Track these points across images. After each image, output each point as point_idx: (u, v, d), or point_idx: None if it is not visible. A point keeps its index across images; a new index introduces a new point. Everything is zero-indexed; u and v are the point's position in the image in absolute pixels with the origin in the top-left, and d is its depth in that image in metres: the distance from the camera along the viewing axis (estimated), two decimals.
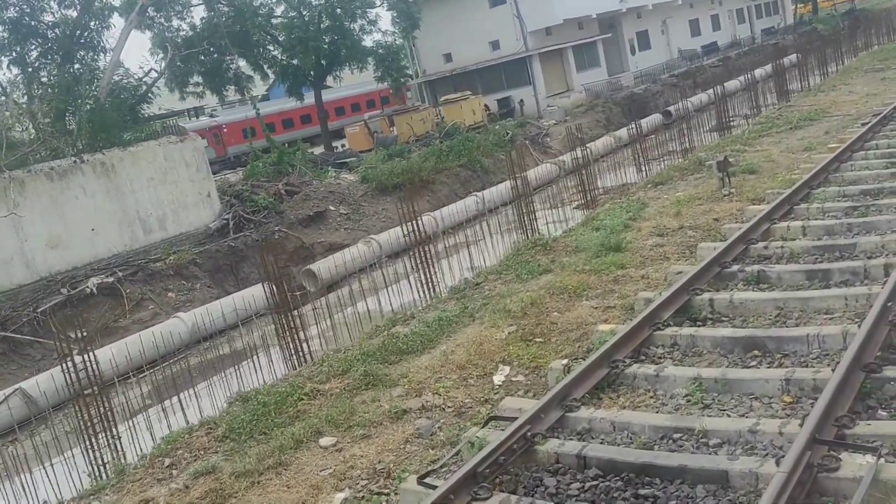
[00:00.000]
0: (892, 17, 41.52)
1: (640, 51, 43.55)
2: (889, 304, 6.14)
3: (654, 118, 33.36)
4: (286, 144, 47.84)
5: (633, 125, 17.19)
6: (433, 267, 11.47)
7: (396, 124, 33.69)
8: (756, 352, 6.45)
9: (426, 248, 11.48)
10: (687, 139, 19.37)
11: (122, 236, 20.10)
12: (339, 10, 31.77)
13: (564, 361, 6.71)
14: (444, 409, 6.65)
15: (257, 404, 7.17)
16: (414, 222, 11.48)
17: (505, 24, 36.53)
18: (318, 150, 37.64)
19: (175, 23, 33.32)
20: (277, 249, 22.73)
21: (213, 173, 37.17)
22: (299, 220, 23.39)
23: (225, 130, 47.19)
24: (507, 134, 30.71)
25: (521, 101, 37.25)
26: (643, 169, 17.15)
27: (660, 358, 6.73)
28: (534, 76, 36.79)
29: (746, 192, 11.78)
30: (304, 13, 33.45)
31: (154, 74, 30.89)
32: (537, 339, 7.79)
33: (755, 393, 5.73)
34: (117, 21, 33.57)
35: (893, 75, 21.79)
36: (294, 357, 9.65)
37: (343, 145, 38.15)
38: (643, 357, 6.78)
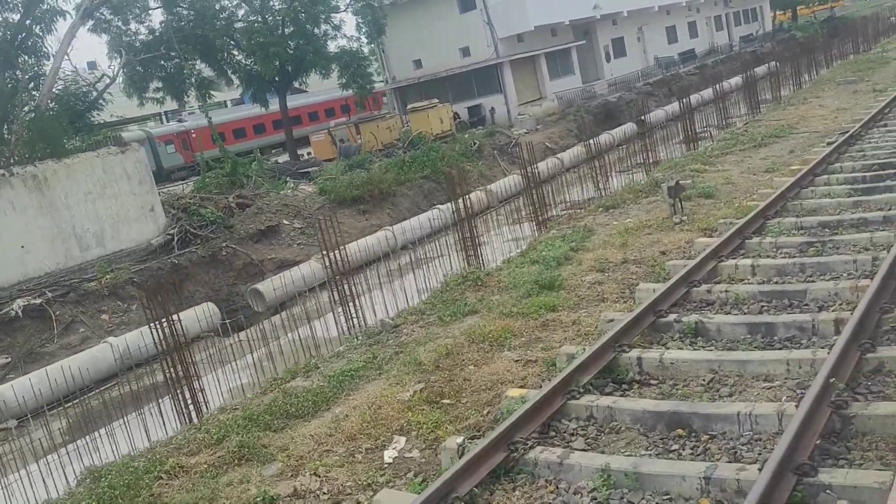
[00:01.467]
0: (869, 26, 41.05)
1: (616, 58, 42.80)
2: (832, 379, 5.22)
3: (628, 127, 32.62)
4: (258, 150, 46.87)
5: (591, 141, 16.29)
6: (357, 301, 10.48)
7: (362, 133, 32.68)
8: (680, 431, 5.51)
9: (347, 281, 10.49)
10: (650, 153, 18.53)
11: (56, 254, 18.94)
12: (302, 15, 30.70)
13: (460, 440, 5.73)
14: (318, 495, 5.66)
15: (106, 487, 6.14)
16: (335, 252, 10.49)
17: (475, 30, 35.61)
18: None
19: (133, 26, 32.23)
20: (225, 266, 21.81)
21: (181, 180, 36.04)
22: (250, 235, 22.30)
23: (193, 136, 46.12)
24: (474, 144, 29.81)
25: (493, 109, 36.36)
26: (600, 187, 16.22)
27: (571, 435, 5.77)
28: (505, 84, 35.90)
29: (699, 220, 10.89)
30: (267, 18, 32.37)
31: (107, 80, 29.82)
32: (445, 401, 6.82)
33: (670, 492, 4.78)
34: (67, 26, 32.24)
35: (865, 88, 21.06)
36: (187, 409, 8.60)
37: (309, 153, 37.09)
38: (553, 433, 5.83)
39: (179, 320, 8.70)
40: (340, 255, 10.57)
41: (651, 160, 18.57)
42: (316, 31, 32.29)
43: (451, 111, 33.53)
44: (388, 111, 37.19)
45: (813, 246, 8.74)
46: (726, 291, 7.80)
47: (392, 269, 15.05)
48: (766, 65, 28.42)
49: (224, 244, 21.40)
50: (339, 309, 10.44)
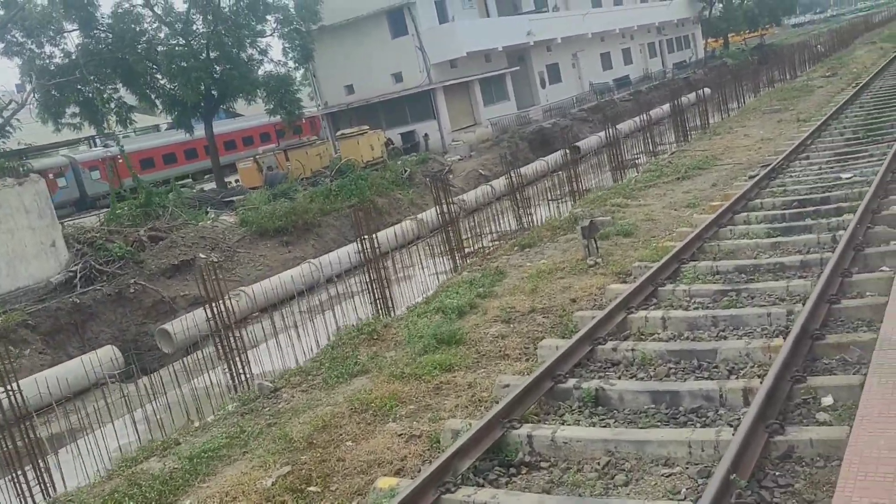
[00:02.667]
0: (796, 54, 41.92)
1: (551, 84, 42.79)
2: (733, 475, 4.51)
3: (562, 153, 32.35)
4: (190, 177, 45.18)
5: (511, 173, 15.63)
6: (242, 357, 9.51)
7: (290, 160, 31.63)
8: None
9: (234, 335, 9.52)
10: (577, 183, 18.02)
11: None
12: (226, 39, 29.57)
13: None
14: None
15: None
16: (220, 302, 9.52)
17: (408, 55, 35.05)
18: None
19: (48, 49, 30.72)
20: (133, 305, 20.47)
21: (107, 207, 34.28)
22: (162, 271, 21.00)
23: (120, 161, 44.47)
24: (405, 171, 29.05)
25: (426, 135, 35.77)
26: (523, 221, 15.59)
27: None
28: (438, 110, 35.36)
29: (614, 262, 10.26)
30: (191, 41, 31.16)
31: (15, 105, 28.21)
32: (311, 489, 5.91)
33: None
34: None
35: (790, 117, 21.04)
36: (31, 493, 7.47)
37: (237, 181, 35.81)
38: None
39: (20, 389, 7.59)
40: (226, 305, 9.60)
41: (579, 189, 18.11)
42: (242, 55, 31.22)
43: (382, 138, 32.80)
44: (318, 137, 36.22)
45: (727, 295, 8.15)
46: (633, 350, 7.11)
47: (311, 306, 14.17)
48: (695, 92, 28.43)
49: (132, 280, 20.10)
50: (225, 365, 9.45)
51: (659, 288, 8.66)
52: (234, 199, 29.45)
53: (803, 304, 7.09)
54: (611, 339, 7.46)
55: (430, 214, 24.42)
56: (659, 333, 7.61)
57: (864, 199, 10.10)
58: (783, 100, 25.16)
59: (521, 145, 35.66)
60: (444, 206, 13.68)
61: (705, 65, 54.37)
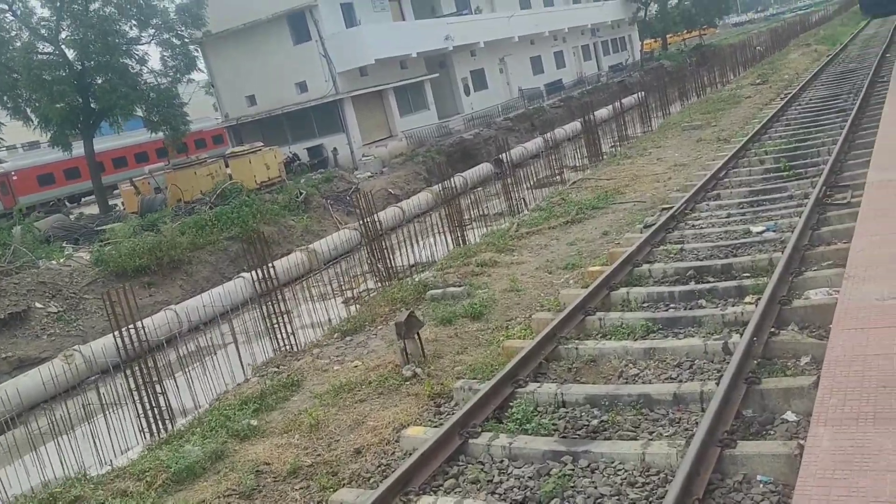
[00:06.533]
0: (733, 55, 40.02)
1: (476, 91, 40.10)
2: None
3: (483, 168, 29.77)
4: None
5: (363, 220, 12.56)
6: None
7: (177, 181, 28.27)
8: None
9: None
10: (456, 219, 15.20)
11: None
12: (94, 45, 26.03)
13: None
14: None
15: None
16: None
17: (312, 63, 31.97)
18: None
19: None
20: None
21: None
22: None
23: (15, 178, 40.57)
24: (300, 194, 26.04)
25: (335, 150, 32.76)
26: (381, 273, 12.72)
27: None
28: (346, 122, 32.35)
29: (440, 370, 7.45)
30: (63, 49, 27.62)
31: None
32: None
33: None
34: None
35: (710, 136, 18.59)
36: None
37: (122, 204, 32.23)
38: None
39: None
40: None
41: (462, 225, 15.36)
42: (121, 65, 27.71)
43: (279, 156, 29.62)
44: (205, 156, 32.81)
45: (560, 461, 5.38)
46: None
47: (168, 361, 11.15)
48: (611, 105, 25.95)
49: None
50: None
51: (470, 440, 5.86)
52: (105, 227, 26.05)
53: None
54: None
55: (325, 244, 21.51)
56: None
57: (772, 278, 7.50)
58: (707, 112, 22.78)
59: (438, 159, 32.88)
60: (263, 272, 10.67)
61: (642, 67, 52.36)
